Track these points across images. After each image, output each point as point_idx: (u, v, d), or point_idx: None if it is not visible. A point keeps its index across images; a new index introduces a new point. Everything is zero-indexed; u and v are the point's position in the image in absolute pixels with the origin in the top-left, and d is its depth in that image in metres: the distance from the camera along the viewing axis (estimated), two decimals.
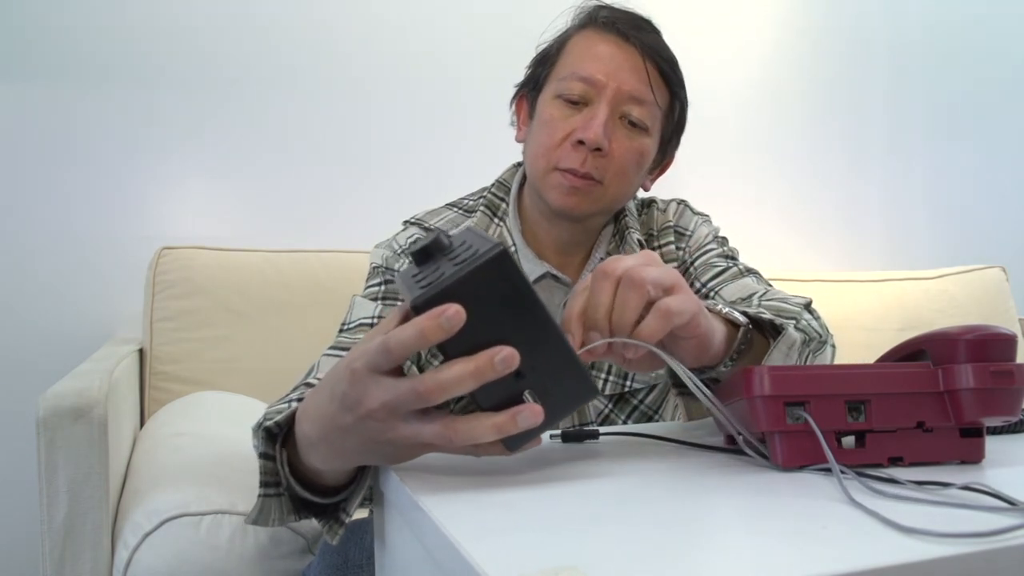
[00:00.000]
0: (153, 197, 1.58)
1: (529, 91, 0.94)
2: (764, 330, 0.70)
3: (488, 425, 0.46)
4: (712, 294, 0.90)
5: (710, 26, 2.06)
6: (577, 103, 0.85)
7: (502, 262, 0.45)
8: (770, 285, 0.91)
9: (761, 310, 0.72)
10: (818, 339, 0.76)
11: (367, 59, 1.73)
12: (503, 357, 0.44)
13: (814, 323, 0.79)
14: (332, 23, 1.70)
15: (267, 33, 1.65)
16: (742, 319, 0.66)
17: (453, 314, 0.44)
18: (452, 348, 0.46)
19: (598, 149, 0.83)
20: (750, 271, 0.93)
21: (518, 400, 0.48)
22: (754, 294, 0.86)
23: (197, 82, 1.60)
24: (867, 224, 2.25)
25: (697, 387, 0.56)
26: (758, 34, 2.12)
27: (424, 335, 0.44)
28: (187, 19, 1.60)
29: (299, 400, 0.69)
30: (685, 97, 0.92)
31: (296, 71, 1.67)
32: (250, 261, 1.47)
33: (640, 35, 0.86)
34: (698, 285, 0.92)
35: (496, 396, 0.47)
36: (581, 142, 0.83)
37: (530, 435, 0.49)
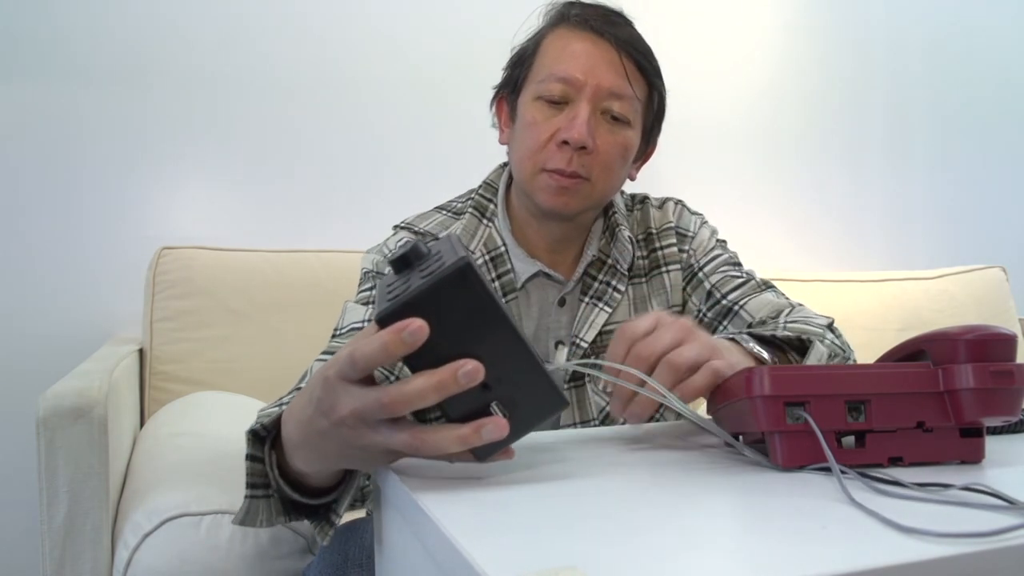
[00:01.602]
0: (153, 197, 1.58)
1: (508, 93, 0.94)
2: (786, 350, 0.75)
3: (453, 437, 0.46)
4: (736, 307, 0.91)
5: (711, 29, 2.06)
6: (558, 103, 0.86)
7: (465, 275, 0.44)
8: (787, 297, 0.94)
9: (788, 332, 0.76)
10: (842, 355, 0.80)
11: (366, 61, 1.73)
12: (466, 371, 0.44)
13: (837, 341, 0.83)
14: (331, 26, 1.70)
15: (267, 35, 1.65)
16: (768, 359, 0.71)
17: (416, 329, 0.43)
18: (417, 361, 0.45)
19: (583, 147, 0.84)
20: (767, 285, 0.94)
21: (486, 412, 0.48)
22: (781, 311, 0.88)
23: (198, 83, 1.60)
24: (867, 224, 2.25)
25: (687, 411, 0.58)
26: (759, 36, 2.12)
27: (387, 349, 0.44)
28: (188, 21, 1.60)
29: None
30: (663, 86, 0.92)
31: (296, 72, 1.67)
32: (250, 261, 1.47)
33: (613, 29, 0.87)
34: (717, 295, 0.93)
35: (464, 407, 0.47)
36: (566, 142, 0.84)
37: (498, 446, 0.49)
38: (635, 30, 0.90)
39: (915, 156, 2.30)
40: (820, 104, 2.18)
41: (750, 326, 0.89)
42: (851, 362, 0.83)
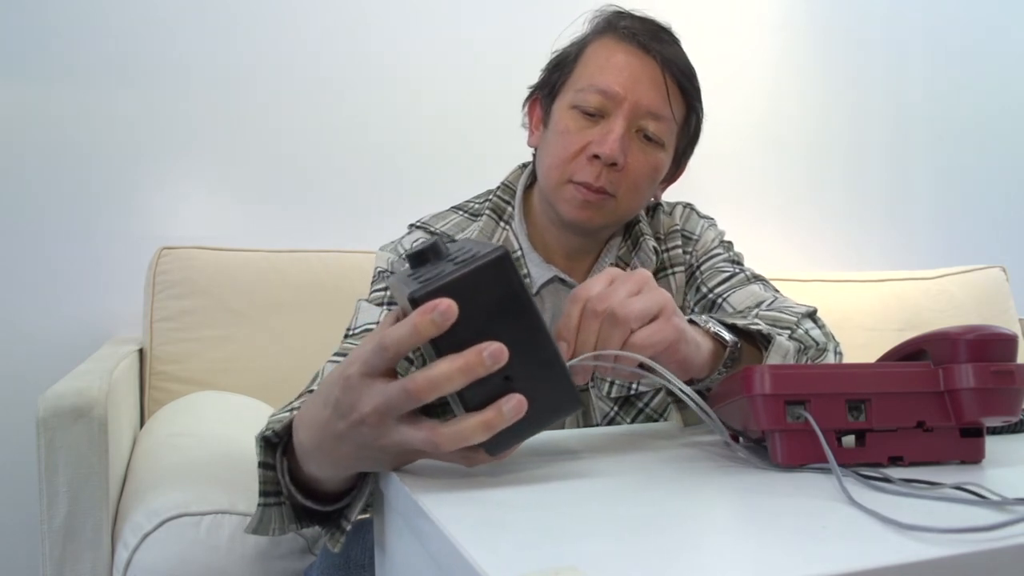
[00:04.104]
0: (153, 197, 1.58)
1: (544, 95, 0.92)
2: (757, 341, 0.71)
3: (476, 424, 0.45)
4: (720, 300, 0.91)
5: (713, 26, 2.06)
6: (593, 115, 0.84)
7: (503, 264, 0.45)
8: (777, 291, 0.92)
9: (756, 321, 0.73)
10: (815, 347, 0.77)
11: (368, 62, 1.73)
12: (491, 352, 0.44)
13: (814, 332, 0.79)
14: (334, 25, 1.70)
15: (268, 36, 1.66)
16: (728, 338, 0.67)
17: (445, 309, 0.43)
18: (446, 348, 0.45)
19: (613, 164, 0.83)
20: (757, 277, 0.93)
21: None
22: (761, 303, 0.87)
23: (198, 83, 1.60)
24: (867, 224, 2.25)
25: (688, 396, 0.57)
26: (760, 35, 2.12)
27: (418, 330, 0.44)
28: (189, 20, 1.60)
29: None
30: (702, 109, 0.91)
31: (297, 73, 1.67)
32: (250, 261, 1.47)
33: (660, 47, 0.85)
34: (704, 290, 0.93)
35: (483, 398, 0.47)
36: (597, 156, 0.82)
37: (510, 440, 0.48)
38: (681, 49, 0.88)
39: (915, 156, 2.30)
40: (820, 104, 2.18)
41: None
42: (830, 353, 0.80)
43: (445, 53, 1.78)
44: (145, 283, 1.42)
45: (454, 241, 0.90)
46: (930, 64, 2.30)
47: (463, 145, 1.77)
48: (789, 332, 0.75)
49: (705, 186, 1.93)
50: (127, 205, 1.55)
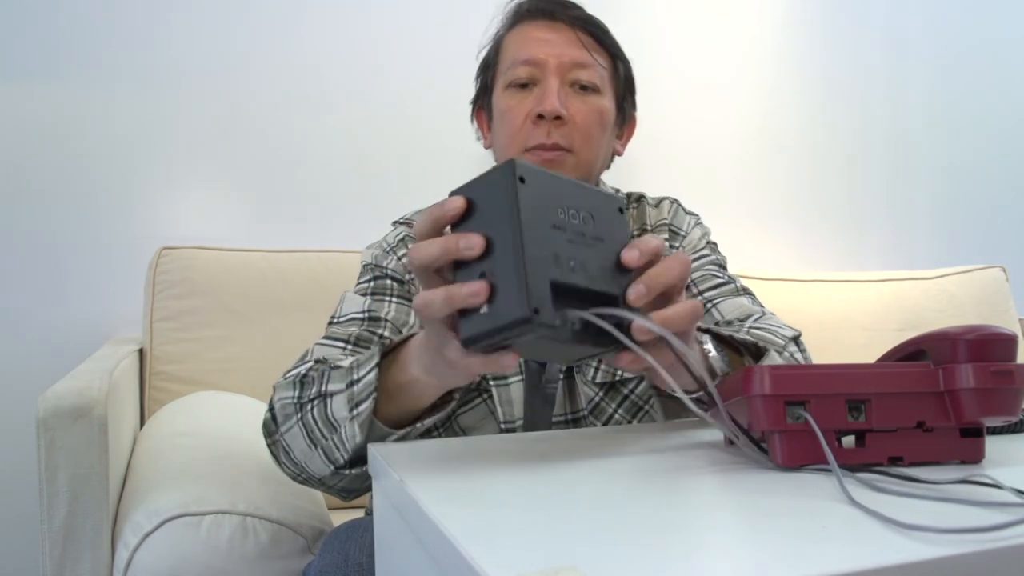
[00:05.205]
0: (153, 197, 1.58)
1: (484, 99, 0.99)
2: (742, 354, 0.73)
3: (441, 292, 0.51)
4: (709, 305, 0.92)
5: (713, 26, 2.05)
6: (527, 85, 0.90)
7: (504, 174, 0.51)
8: (763, 307, 0.94)
9: (747, 337, 0.75)
10: None
11: (367, 61, 1.73)
12: (467, 240, 0.50)
13: (798, 356, 0.82)
14: (332, 25, 1.70)
15: (269, 34, 1.66)
16: (719, 369, 0.68)
17: (450, 201, 0.51)
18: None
19: (558, 118, 0.87)
20: (745, 290, 0.95)
21: None
22: (749, 316, 0.88)
23: (198, 83, 1.60)
24: (867, 224, 2.25)
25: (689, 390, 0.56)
26: (759, 32, 2.12)
27: (432, 215, 0.52)
28: (188, 20, 1.60)
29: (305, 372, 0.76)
30: (625, 57, 0.97)
31: (296, 72, 1.67)
32: (250, 261, 1.47)
33: (566, 11, 0.92)
34: (694, 291, 0.94)
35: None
36: (541, 116, 0.87)
37: (480, 335, 0.51)
38: (586, 11, 0.94)
39: (915, 156, 2.30)
40: (820, 104, 2.18)
41: (716, 324, 0.90)
42: None
43: (444, 55, 1.78)
44: (145, 283, 1.42)
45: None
46: (930, 64, 2.30)
47: (462, 146, 1.77)
48: (777, 353, 0.77)
49: (705, 186, 1.93)
50: (127, 205, 1.55)
